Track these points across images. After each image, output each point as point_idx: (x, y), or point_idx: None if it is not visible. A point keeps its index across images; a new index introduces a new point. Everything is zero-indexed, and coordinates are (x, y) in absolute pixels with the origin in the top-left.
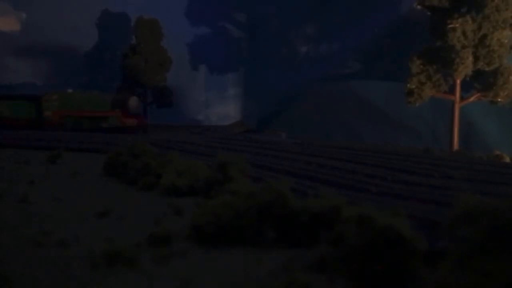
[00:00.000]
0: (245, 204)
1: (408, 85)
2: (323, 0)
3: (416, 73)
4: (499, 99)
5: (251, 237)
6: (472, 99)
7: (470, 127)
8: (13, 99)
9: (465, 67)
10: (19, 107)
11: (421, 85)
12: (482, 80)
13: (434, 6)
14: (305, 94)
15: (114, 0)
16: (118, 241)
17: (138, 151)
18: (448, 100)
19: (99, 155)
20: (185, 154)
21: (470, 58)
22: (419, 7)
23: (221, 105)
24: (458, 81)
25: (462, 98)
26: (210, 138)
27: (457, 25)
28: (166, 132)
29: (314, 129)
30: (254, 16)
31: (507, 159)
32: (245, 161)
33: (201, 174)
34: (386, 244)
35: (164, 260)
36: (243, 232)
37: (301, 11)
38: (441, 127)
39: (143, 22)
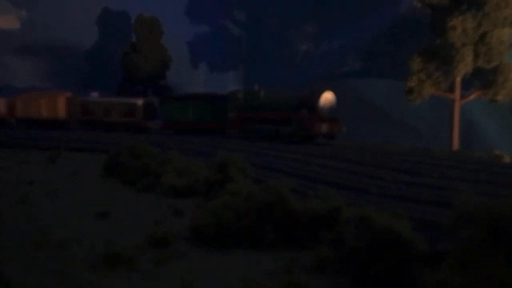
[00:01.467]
0: (245, 205)
1: (408, 83)
2: None
3: (416, 71)
4: (499, 97)
5: (251, 238)
6: (472, 97)
7: (470, 126)
8: (195, 99)
9: (465, 65)
10: (202, 109)
11: (421, 83)
12: (482, 78)
13: (434, 4)
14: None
15: None
16: (118, 242)
17: (138, 151)
18: (448, 98)
19: (100, 155)
20: (185, 153)
21: (470, 56)
22: (419, 5)
23: None
24: (458, 79)
25: (462, 96)
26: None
27: (457, 23)
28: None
29: None
30: (254, 15)
31: (507, 159)
32: (244, 161)
33: (200, 174)
34: (386, 245)
35: (164, 261)
36: (243, 233)
37: (301, 10)
38: (441, 125)
39: (143, 20)
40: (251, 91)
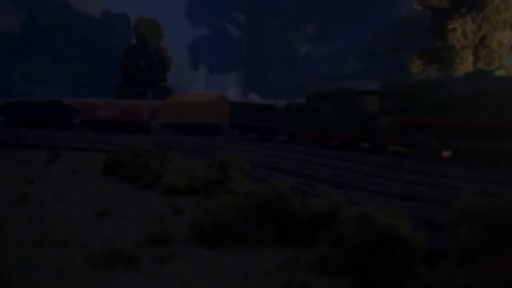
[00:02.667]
0: (245, 204)
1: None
2: (323, 0)
3: (416, 73)
4: None
5: (251, 237)
6: None
7: None
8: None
9: (465, 68)
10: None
11: None
12: None
13: (434, 7)
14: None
15: (114, 0)
16: (118, 241)
17: (138, 151)
18: None
19: (99, 154)
20: (185, 153)
21: (470, 59)
22: (419, 7)
23: None
24: None
25: None
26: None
27: (457, 25)
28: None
29: None
30: (254, 17)
31: None
32: (244, 160)
33: (201, 173)
34: (386, 244)
35: (164, 260)
36: (243, 232)
37: (301, 12)
38: None
39: (143, 22)
40: (435, 78)
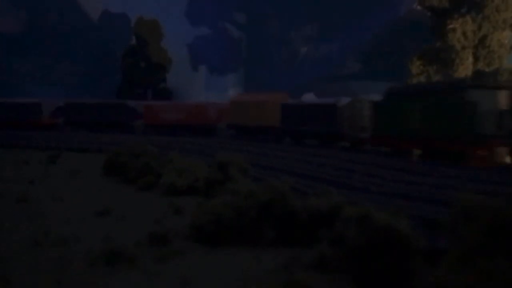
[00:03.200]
0: (245, 204)
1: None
2: (323, 0)
3: (416, 74)
4: None
5: (251, 237)
6: None
7: None
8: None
9: (465, 68)
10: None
11: None
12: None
13: (434, 7)
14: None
15: (114, 0)
16: (118, 241)
17: (138, 151)
18: None
19: (99, 154)
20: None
21: (470, 59)
22: (419, 7)
23: None
24: None
25: None
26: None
27: (457, 25)
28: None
29: None
30: (254, 17)
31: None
32: (244, 160)
33: (201, 173)
34: (386, 244)
35: (164, 259)
36: (243, 232)
37: (301, 12)
38: None
39: (143, 22)
40: None
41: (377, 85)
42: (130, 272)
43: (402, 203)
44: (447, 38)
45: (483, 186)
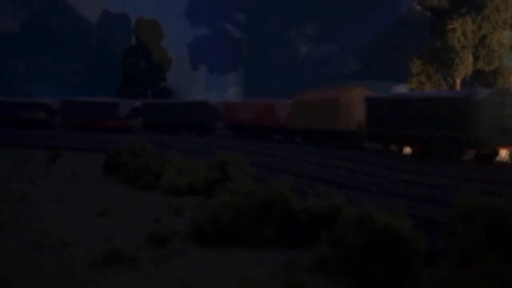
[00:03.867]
0: (245, 204)
1: (408, 85)
2: (323, 0)
3: (416, 73)
4: None
5: (251, 237)
6: None
7: None
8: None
9: (465, 67)
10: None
11: (421, 85)
12: (482, 80)
13: (434, 7)
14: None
15: (114, 0)
16: (118, 241)
17: (138, 151)
18: None
19: (99, 154)
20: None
21: (470, 58)
22: (419, 7)
23: None
24: (458, 81)
25: None
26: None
27: (457, 25)
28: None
29: None
30: (254, 17)
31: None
32: (244, 160)
33: (201, 173)
34: (386, 244)
35: (164, 260)
36: (243, 232)
37: (301, 12)
38: None
39: (143, 22)
40: None
41: (377, 84)
42: (130, 273)
43: None
44: (447, 38)
45: (482, 185)
